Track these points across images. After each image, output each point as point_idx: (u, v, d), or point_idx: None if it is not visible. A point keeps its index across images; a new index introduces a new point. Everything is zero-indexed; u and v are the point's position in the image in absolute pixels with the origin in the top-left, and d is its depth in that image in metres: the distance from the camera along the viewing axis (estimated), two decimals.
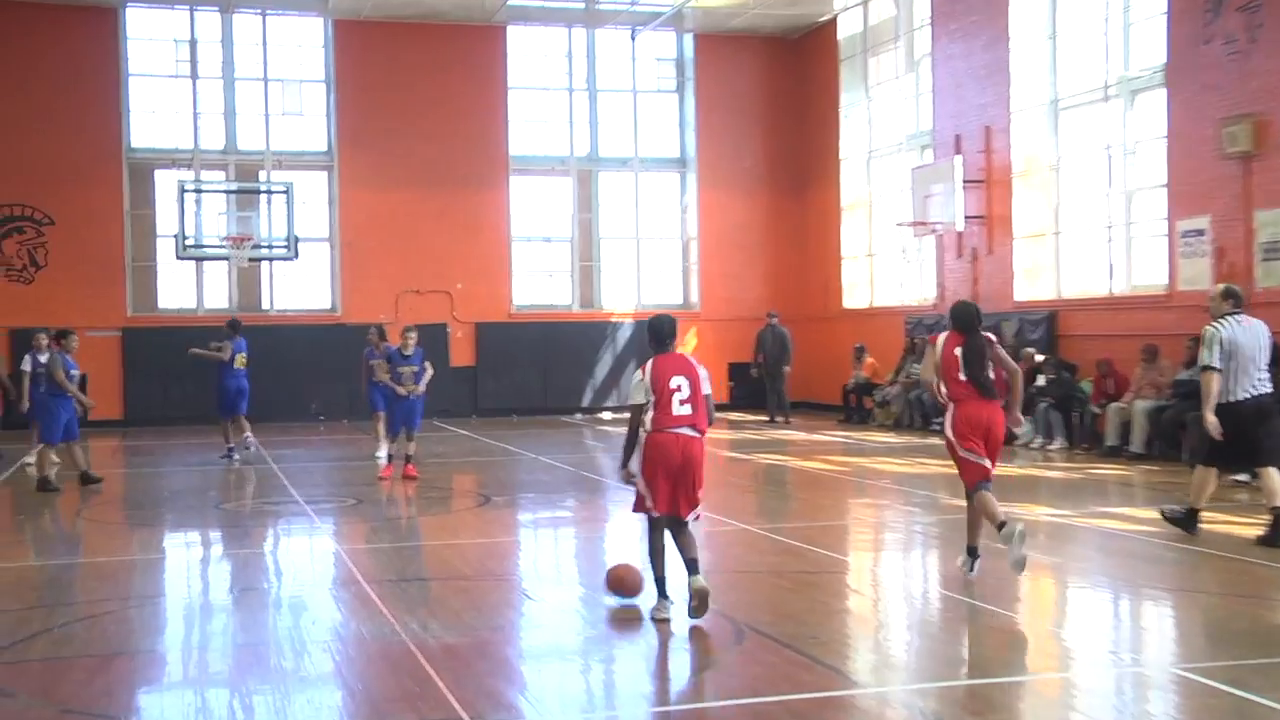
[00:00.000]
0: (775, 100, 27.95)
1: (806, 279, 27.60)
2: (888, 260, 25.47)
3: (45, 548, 11.74)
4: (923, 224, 22.17)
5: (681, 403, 7.78)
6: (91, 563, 10.62)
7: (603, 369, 26.83)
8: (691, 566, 7.78)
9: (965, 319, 8.81)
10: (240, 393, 17.96)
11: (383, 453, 16.35)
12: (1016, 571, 8.55)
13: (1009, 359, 8.92)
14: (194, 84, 25.71)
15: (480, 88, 26.59)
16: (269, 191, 24.86)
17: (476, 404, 25.77)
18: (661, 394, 7.77)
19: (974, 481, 8.73)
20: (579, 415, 26.36)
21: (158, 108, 25.70)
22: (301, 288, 26.20)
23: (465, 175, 26.35)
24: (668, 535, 7.97)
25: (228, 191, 25.08)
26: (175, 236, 23.70)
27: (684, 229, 28.18)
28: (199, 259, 24.86)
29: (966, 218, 21.44)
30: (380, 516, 13.28)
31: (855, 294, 26.31)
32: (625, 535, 12.40)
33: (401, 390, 15.44)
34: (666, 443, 7.75)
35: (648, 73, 28.06)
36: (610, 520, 13.16)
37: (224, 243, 23.76)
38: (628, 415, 7.99)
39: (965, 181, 21.35)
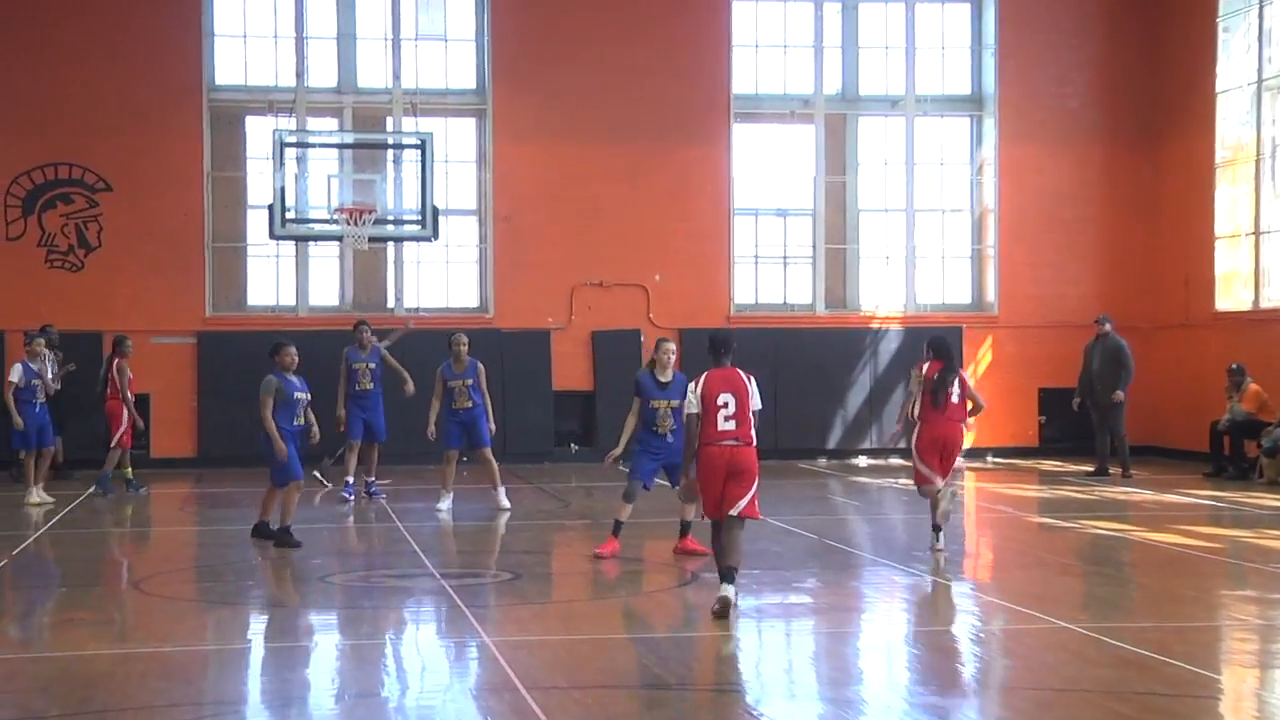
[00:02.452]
0: (1116, 9, 27.46)
1: (1159, 270, 27.02)
2: None
3: (96, 631, 12.11)
4: None
5: (726, 419, 11.51)
6: (155, 653, 10.94)
7: (858, 395, 26.65)
8: (726, 575, 11.43)
9: (943, 350, 14.86)
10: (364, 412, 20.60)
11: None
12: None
13: (975, 392, 14.98)
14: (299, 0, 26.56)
15: (690, 1, 26.79)
16: (398, 146, 25.37)
17: None
18: (709, 409, 11.51)
19: (921, 487, 14.83)
20: (823, 460, 26.23)
21: (249, 32, 26.55)
22: (441, 279, 26.77)
23: (668, 123, 26.53)
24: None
25: (341, 146, 25.67)
26: (270, 208, 24.26)
27: (978, 198, 27.87)
28: (302, 238, 25.49)
29: None
30: (546, 598, 13.36)
31: (1233, 291, 25.68)
32: (884, 628, 12.24)
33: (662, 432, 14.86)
34: (713, 455, 11.54)
35: None
36: (867, 609, 13.03)
37: (336, 216, 24.23)
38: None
39: None
